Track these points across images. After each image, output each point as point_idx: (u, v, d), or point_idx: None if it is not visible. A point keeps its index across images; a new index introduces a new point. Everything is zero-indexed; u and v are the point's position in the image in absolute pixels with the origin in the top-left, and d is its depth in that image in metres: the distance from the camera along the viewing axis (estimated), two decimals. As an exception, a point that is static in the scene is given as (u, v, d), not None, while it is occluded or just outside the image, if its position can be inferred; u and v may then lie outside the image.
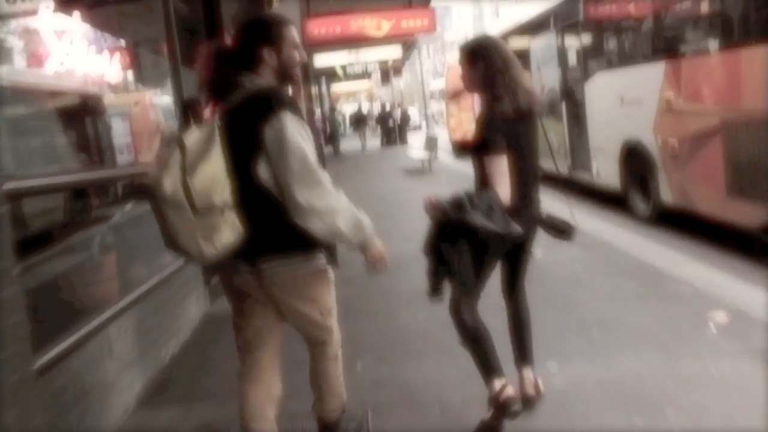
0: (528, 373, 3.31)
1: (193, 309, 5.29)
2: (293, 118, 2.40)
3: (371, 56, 21.53)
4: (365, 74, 34.60)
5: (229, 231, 2.34)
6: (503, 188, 2.90)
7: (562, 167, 10.71)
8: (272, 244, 2.48)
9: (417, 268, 4.87)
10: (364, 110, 36.27)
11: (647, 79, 7.73)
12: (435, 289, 3.11)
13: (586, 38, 9.77)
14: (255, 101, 2.41)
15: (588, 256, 6.42)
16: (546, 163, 3.77)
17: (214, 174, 2.29)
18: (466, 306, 3.14)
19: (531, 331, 3.41)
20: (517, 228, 2.85)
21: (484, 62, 3.00)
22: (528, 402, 3.22)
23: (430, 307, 5.16)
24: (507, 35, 13.86)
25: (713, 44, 6.50)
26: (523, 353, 3.34)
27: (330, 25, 13.08)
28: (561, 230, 3.14)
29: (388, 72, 33.00)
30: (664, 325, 4.48)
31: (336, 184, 2.52)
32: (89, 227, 4.30)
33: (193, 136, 2.32)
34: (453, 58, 21.96)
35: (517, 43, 13.48)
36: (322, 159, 16.40)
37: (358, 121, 31.83)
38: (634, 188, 8.48)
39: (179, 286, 4.99)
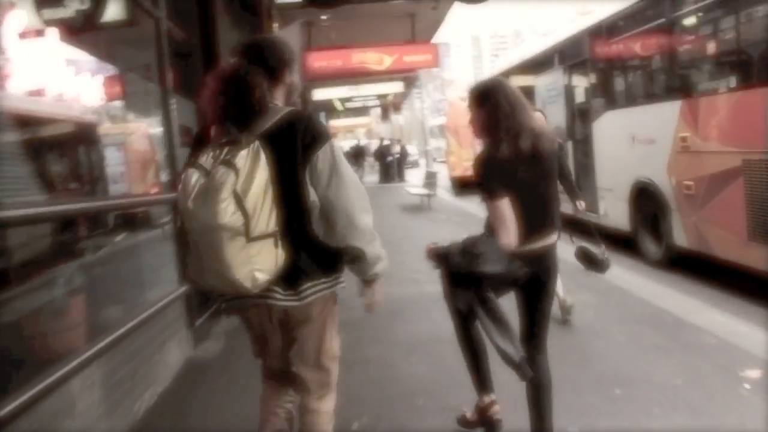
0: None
1: (175, 354, 4.86)
2: (337, 145, 2.44)
3: (371, 91, 21.34)
4: (364, 110, 34.57)
5: (277, 257, 2.29)
6: (505, 233, 2.86)
7: (567, 208, 10.35)
8: (314, 267, 2.45)
9: (418, 312, 4.48)
10: (363, 145, 36.25)
11: (661, 118, 7.42)
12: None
13: (594, 76, 9.49)
14: (300, 126, 2.38)
15: (601, 302, 6.03)
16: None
17: (264, 199, 2.23)
18: (463, 318, 3.25)
19: (551, 399, 3.11)
20: (523, 269, 2.88)
21: (490, 106, 2.95)
22: None
23: (432, 357, 4.77)
24: (510, 72, 13.67)
25: (733, 82, 6.20)
26: (541, 424, 3.09)
27: (331, 58, 12.82)
28: (595, 262, 3.31)
29: (387, 108, 32.93)
30: (692, 381, 4.08)
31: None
32: (56, 264, 3.89)
33: (240, 160, 2.22)
34: (454, 94, 21.78)
35: (521, 80, 13.26)
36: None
37: (357, 155, 31.64)
38: (644, 230, 8.12)
39: (159, 330, 4.57)
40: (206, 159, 2.26)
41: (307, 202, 2.38)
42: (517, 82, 13.55)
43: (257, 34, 8.33)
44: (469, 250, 2.81)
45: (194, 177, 2.23)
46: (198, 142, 2.46)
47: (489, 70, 16.94)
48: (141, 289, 5.00)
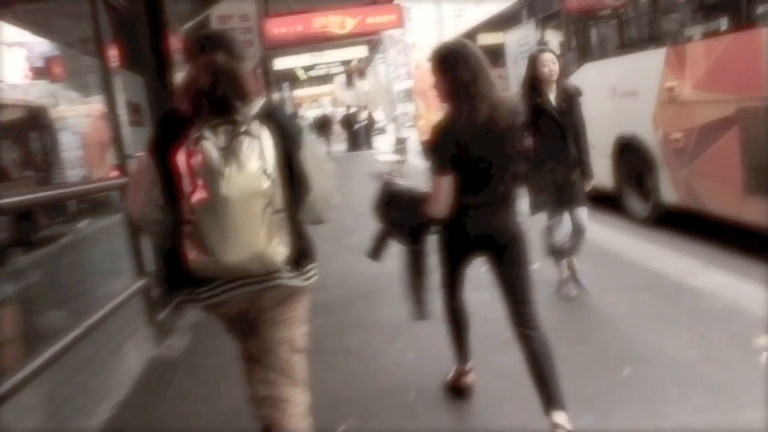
0: (559, 417, 2.84)
1: (134, 357, 4.39)
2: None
3: (335, 57, 20.68)
4: (329, 78, 33.84)
5: (290, 233, 2.34)
6: (433, 207, 2.97)
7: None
8: (312, 249, 2.55)
9: (397, 290, 4.15)
10: (329, 114, 35.54)
11: (644, 68, 7.02)
12: (376, 252, 3.39)
13: (569, 27, 9.04)
14: (282, 115, 2.47)
15: (592, 268, 5.64)
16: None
17: (278, 173, 2.27)
18: (446, 291, 3.34)
19: (555, 367, 2.95)
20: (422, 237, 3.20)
21: (451, 71, 2.89)
22: None
23: (419, 342, 4.36)
24: (476, 31, 13.18)
25: (725, 23, 5.79)
26: (549, 396, 2.91)
27: (290, 24, 12.18)
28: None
29: (351, 75, 32.25)
30: (706, 354, 3.73)
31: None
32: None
33: (256, 132, 2.24)
34: (420, 56, 21.19)
35: (489, 38, 12.77)
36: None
37: (323, 125, 31.03)
38: (629, 187, 7.76)
39: (115, 331, 4.09)
40: (208, 134, 2.18)
41: (308, 190, 2.44)
42: (486, 40, 13.07)
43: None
44: (387, 211, 3.27)
45: (212, 148, 2.15)
46: (168, 121, 2.39)
47: (453, 30, 16.43)
48: (91, 287, 4.51)
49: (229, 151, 2.16)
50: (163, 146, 2.30)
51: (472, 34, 13.89)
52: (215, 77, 2.25)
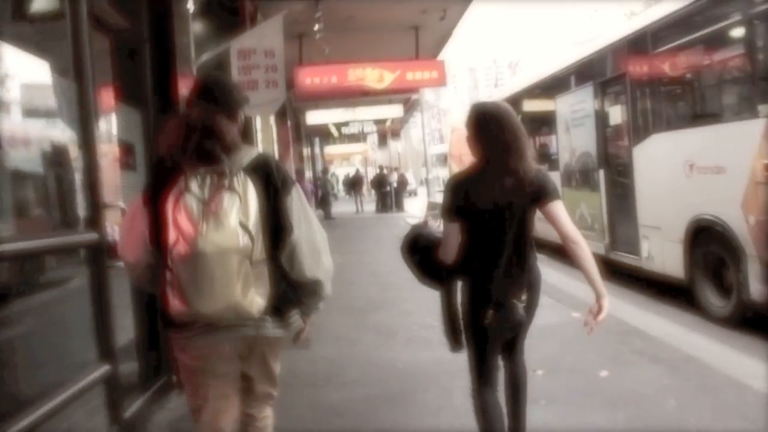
0: None
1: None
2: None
3: (369, 115, 19.91)
4: (361, 136, 33.36)
5: (269, 283, 2.43)
6: (442, 253, 3.09)
7: (598, 246, 8.90)
8: (296, 296, 2.64)
9: (435, 393, 4.16)
10: (361, 173, 35.27)
11: (732, 142, 5.98)
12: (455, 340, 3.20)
13: (636, 92, 8.04)
14: (273, 166, 2.53)
15: (678, 381, 4.52)
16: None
17: (258, 225, 2.36)
18: (481, 389, 3.15)
19: (526, 396, 3.30)
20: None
21: (487, 132, 2.99)
22: None
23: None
24: (522, 95, 12.31)
25: None
26: (517, 424, 3.22)
27: (325, 74, 11.37)
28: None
29: (385, 134, 31.64)
30: None
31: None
32: None
33: (238, 186, 2.35)
34: (456, 120, 20.36)
35: (536, 104, 11.85)
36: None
37: (354, 184, 31.05)
38: (705, 279, 6.61)
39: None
40: (193, 186, 2.33)
41: (289, 235, 2.51)
42: (532, 105, 12.16)
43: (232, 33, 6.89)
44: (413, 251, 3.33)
45: (194, 203, 2.29)
46: (159, 168, 2.48)
47: (492, 95, 15.66)
48: (38, 373, 3.46)
49: (209, 207, 2.28)
50: (155, 192, 2.42)
51: (518, 98, 13.05)
52: (193, 132, 2.36)
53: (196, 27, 6.70)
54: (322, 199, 24.45)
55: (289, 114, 16.69)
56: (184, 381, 2.69)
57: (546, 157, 11.87)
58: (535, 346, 5.75)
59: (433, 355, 5.14)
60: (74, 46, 3.67)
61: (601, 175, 8.80)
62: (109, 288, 3.72)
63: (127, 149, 4.50)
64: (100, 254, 3.71)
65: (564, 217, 3.02)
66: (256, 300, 2.35)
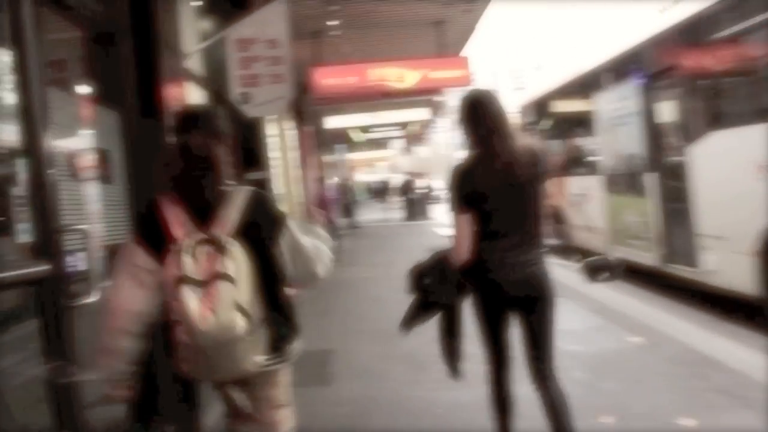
0: None
1: None
2: (292, 223, 2.65)
3: (393, 119, 19.07)
4: (385, 142, 32.57)
5: (269, 336, 2.51)
6: (455, 249, 3.09)
7: (647, 257, 8.02)
8: (293, 328, 2.67)
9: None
10: (387, 181, 35.63)
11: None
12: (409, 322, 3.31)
13: (690, 86, 7.14)
14: (261, 210, 2.56)
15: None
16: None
17: (253, 294, 2.42)
18: (495, 376, 3.23)
19: (571, 419, 3.07)
20: (456, 296, 3.16)
21: (473, 120, 3.08)
22: None
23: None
24: (555, 95, 11.47)
25: None
26: None
27: (343, 74, 10.58)
28: (607, 266, 3.67)
29: (410, 140, 30.82)
30: None
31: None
32: None
33: (231, 268, 2.37)
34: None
35: (571, 104, 10.98)
36: (332, 234, 13.75)
37: (380, 192, 30.94)
38: (783, 297, 5.71)
39: None
40: (189, 265, 2.37)
41: (282, 278, 2.59)
42: (567, 106, 11.28)
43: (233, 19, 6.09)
44: (420, 281, 3.22)
45: (192, 298, 2.33)
46: (147, 218, 2.54)
47: (518, 99, 14.77)
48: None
49: (205, 301, 2.33)
50: (148, 244, 2.50)
51: (549, 100, 12.19)
52: (189, 161, 2.47)
53: (190, 14, 5.95)
54: (347, 207, 23.69)
55: (309, 119, 15.94)
56: None
57: (582, 161, 11.00)
58: (593, 383, 4.92)
59: (478, 395, 4.34)
60: (12, 19, 2.89)
61: (651, 178, 7.89)
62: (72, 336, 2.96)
63: (101, 157, 3.74)
64: (55, 289, 2.93)
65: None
66: (256, 360, 2.48)
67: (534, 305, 3.11)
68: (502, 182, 2.99)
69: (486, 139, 3.02)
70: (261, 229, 2.51)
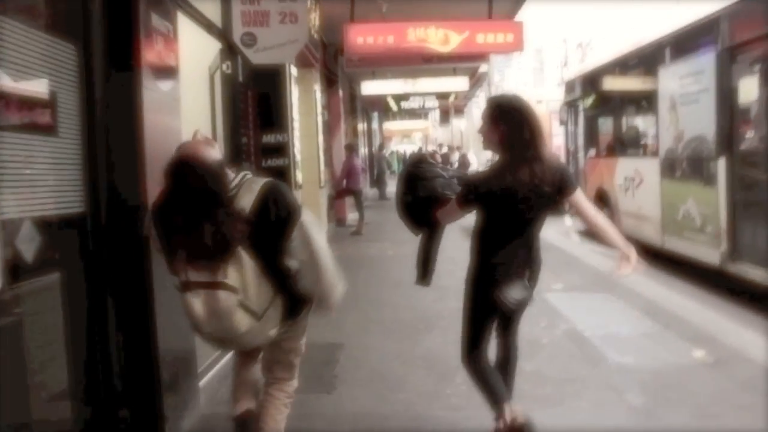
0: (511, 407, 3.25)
1: None
2: (306, 216, 2.72)
3: (431, 87, 18.06)
4: (422, 112, 31.63)
5: (280, 312, 2.68)
6: (442, 217, 3.30)
7: (709, 254, 7.07)
8: (302, 299, 2.78)
9: None
10: (423, 152, 34.11)
11: None
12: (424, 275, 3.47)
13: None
14: (271, 199, 2.63)
15: None
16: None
17: (258, 284, 2.54)
18: (473, 355, 3.34)
19: (515, 368, 3.52)
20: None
21: (512, 125, 3.06)
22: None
23: None
24: (610, 68, 10.46)
25: None
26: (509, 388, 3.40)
27: (380, 32, 9.57)
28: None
29: (448, 111, 29.76)
30: None
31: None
32: None
33: (233, 275, 2.48)
34: (531, 95, 18.40)
35: (628, 79, 9.95)
36: (359, 206, 13.01)
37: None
38: None
39: None
40: (192, 275, 2.51)
41: (287, 268, 2.69)
42: (621, 82, 10.25)
43: None
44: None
45: (196, 304, 2.49)
46: (162, 213, 2.59)
47: (564, 75, 13.65)
48: None
49: (208, 307, 2.49)
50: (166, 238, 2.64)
51: (596, 76, 11.18)
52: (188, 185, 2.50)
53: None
54: (378, 178, 22.81)
55: (342, 83, 15.04)
56: None
57: (637, 141, 9.99)
58: (653, 411, 3.92)
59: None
60: None
61: (721, 164, 6.88)
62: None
63: (44, 103, 2.89)
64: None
65: (588, 203, 3.31)
66: (271, 333, 2.71)
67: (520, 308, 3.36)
68: (526, 191, 3.05)
69: (522, 147, 3.04)
70: (269, 215, 2.58)
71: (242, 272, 2.46)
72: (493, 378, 3.35)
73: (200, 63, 6.67)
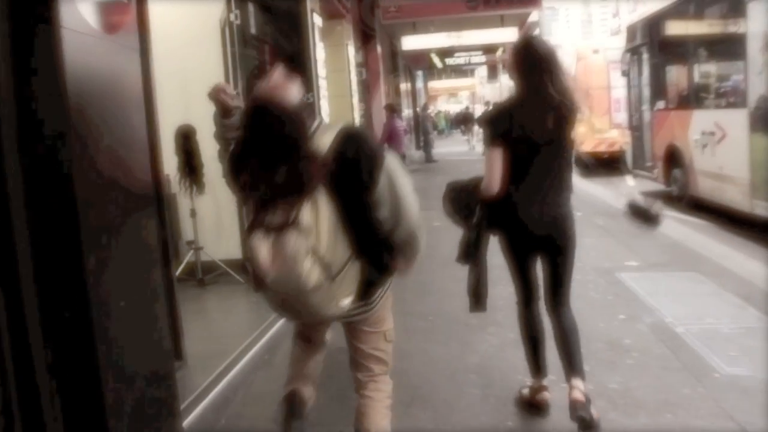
0: (577, 382, 3.17)
1: None
2: (393, 161, 2.47)
3: (477, 39, 16.76)
4: (468, 70, 30.37)
5: (355, 280, 2.37)
6: (486, 180, 3.15)
7: None
8: (381, 275, 2.50)
9: None
10: (471, 110, 33.81)
11: None
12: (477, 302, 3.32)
13: None
14: (353, 148, 2.36)
15: None
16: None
17: (335, 239, 2.26)
18: (521, 302, 3.43)
19: (578, 342, 3.27)
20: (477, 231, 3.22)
21: (529, 61, 3.11)
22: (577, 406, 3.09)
23: None
24: (684, 5, 9.16)
25: None
26: (571, 365, 3.25)
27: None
28: (647, 216, 3.63)
29: (495, 66, 28.31)
30: None
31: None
32: None
33: (305, 216, 2.20)
34: (583, 47, 16.94)
35: (708, 17, 8.61)
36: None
37: (465, 121, 29.71)
38: None
39: None
40: (265, 210, 2.24)
41: (374, 223, 2.41)
42: (700, 23, 8.92)
43: None
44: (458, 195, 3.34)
45: (262, 246, 2.21)
46: (240, 159, 2.38)
47: (623, 22, 12.26)
48: None
49: (276, 250, 2.19)
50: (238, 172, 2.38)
51: (663, 17, 9.91)
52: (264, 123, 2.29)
53: None
54: (423, 140, 21.67)
55: (380, 38, 13.88)
56: None
57: (718, 90, 8.69)
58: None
59: None
60: None
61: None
62: None
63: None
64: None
65: None
66: (343, 303, 2.36)
67: (557, 247, 3.24)
68: (542, 126, 3.06)
69: (535, 82, 3.07)
70: (351, 165, 2.33)
71: (318, 218, 2.22)
72: (532, 344, 3.43)
73: (209, 15, 5.81)
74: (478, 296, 3.29)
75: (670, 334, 4.40)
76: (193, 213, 5.98)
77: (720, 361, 3.90)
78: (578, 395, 3.09)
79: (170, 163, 6.09)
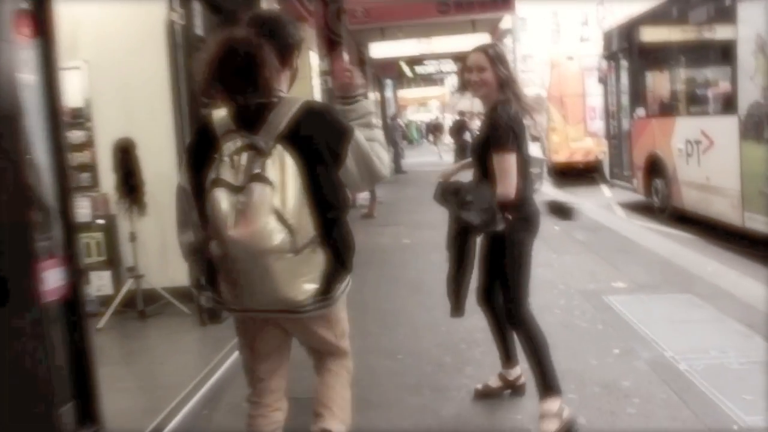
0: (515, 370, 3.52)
1: None
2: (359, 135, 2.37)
3: (447, 46, 16.32)
4: (438, 79, 30.14)
5: (320, 263, 2.23)
6: (510, 184, 3.14)
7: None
8: (343, 266, 2.34)
9: None
10: (441, 120, 35.88)
11: None
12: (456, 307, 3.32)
13: None
14: (320, 122, 2.26)
15: None
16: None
17: (301, 207, 2.15)
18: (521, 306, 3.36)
19: (545, 349, 3.24)
20: (501, 226, 3.13)
21: (503, 66, 3.23)
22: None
23: None
24: (667, 8, 8.76)
25: None
26: (508, 355, 3.56)
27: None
28: (563, 211, 4.00)
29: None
30: None
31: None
32: None
33: (271, 172, 2.10)
34: (559, 53, 16.55)
35: (693, 20, 8.17)
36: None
37: (434, 130, 31.07)
38: None
39: None
40: (226, 170, 2.13)
41: (341, 202, 2.32)
42: (684, 26, 8.47)
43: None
44: (461, 194, 3.16)
45: (224, 200, 2.10)
46: (204, 136, 2.28)
47: (619, 18, 11.90)
48: None
49: (238, 202, 2.08)
50: (197, 164, 2.27)
51: (645, 21, 9.56)
52: (229, 56, 2.14)
53: None
54: (393, 151, 21.09)
55: (348, 46, 13.32)
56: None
57: (705, 96, 8.26)
58: None
59: None
60: None
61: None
62: None
63: None
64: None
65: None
66: (305, 288, 2.19)
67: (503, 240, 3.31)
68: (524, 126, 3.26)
69: (510, 85, 3.24)
70: (317, 138, 2.22)
71: (284, 177, 2.09)
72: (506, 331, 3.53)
73: (153, 15, 5.24)
74: (458, 300, 3.31)
75: (672, 373, 3.84)
76: (132, 237, 5.33)
77: (735, 408, 3.36)
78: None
79: (107, 181, 5.50)
